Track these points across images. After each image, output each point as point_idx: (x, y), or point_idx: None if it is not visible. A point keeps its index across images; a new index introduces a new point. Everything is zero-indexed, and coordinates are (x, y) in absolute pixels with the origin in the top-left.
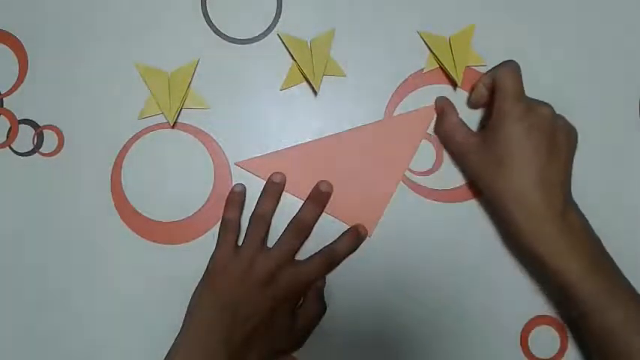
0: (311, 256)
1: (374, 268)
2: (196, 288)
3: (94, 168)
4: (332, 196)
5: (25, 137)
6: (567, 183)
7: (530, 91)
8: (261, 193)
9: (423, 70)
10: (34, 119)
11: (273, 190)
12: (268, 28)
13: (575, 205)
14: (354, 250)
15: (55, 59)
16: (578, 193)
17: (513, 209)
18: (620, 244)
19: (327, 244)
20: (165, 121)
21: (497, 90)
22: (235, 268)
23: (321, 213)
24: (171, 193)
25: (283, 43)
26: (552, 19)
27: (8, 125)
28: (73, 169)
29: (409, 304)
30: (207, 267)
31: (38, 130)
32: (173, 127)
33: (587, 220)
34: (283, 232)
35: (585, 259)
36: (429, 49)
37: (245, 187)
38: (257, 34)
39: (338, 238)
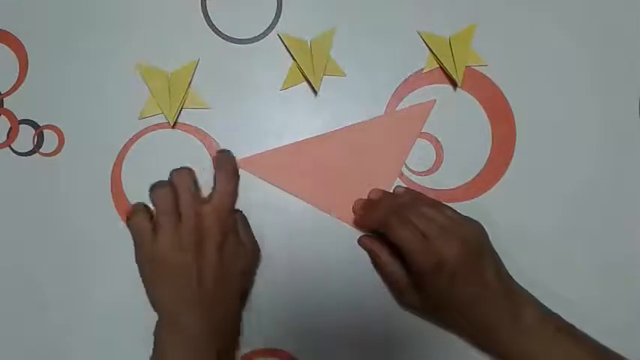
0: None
1: (374, 268)
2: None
3: (94, 168)
4: (329, 194)
5: (25, 137)
6: (509, 287)
7: (531, 91)
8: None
9: (423, 70)
10: (34, 119)
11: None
12: (268, 28)
13: (526, 296)
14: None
15: (55, 59)
16: (578, 193)
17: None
18: (620, 243)
19: (324, 242)
20: (165, 121)
21: (409, 264)
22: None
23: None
24: None
25: (283, 43)
26: (552, 19)
27: (8, 125)
28: (73, 169)
29: None
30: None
31: (38, 130)
32: (173, 127)
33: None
34: None
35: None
36: (429, 49)
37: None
38: (257, 34)
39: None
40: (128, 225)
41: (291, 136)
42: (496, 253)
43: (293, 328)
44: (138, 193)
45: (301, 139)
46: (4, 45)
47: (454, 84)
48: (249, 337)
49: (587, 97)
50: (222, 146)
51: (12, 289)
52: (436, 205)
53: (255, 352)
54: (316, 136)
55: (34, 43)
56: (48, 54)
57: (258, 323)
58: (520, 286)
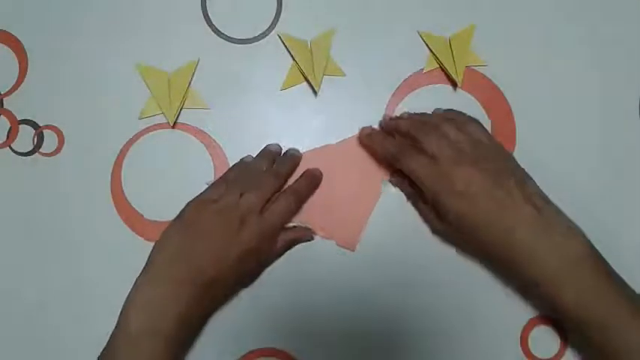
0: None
1: (373, 268)
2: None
3: (94, 168)
4: (314, 212)
5: (25, 137)
6: (538, 202)
7: (531, 92)
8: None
9: (423, 70)
10: (34, 119)
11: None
12: (268, 28)
13: (558, 212)
14: (314, 188)
15: (55, 59)
16: (578, 192)
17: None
18: (620, 243)
19: (323, 242)
20: (165, 121)
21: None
22: (216, 205)
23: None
24: (171, 193)
25: (283, 43)
26: (552, 19)
27: (8, 125)
28: (73, 169)
29: (408, 304)
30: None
31: (38, 130)
32: (173, 127)
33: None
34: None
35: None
36: (429, 49)
37: (280, 147)
38: (257, 34)
39: (296, 181)
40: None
41: (291, 136)
42: (527, 176)
43: (293, 328)
44: (138, 193)
45: (301, 139)
46: (4, 45)
47: (454, 84)
48: (249, 337)
49: (587, 97)
50: (222, 146)
51: (12, 288)
52: (460, 122)
53: (255, 352)
54: (304, 152)
55: (34, 43)
56: (48, 54)
57: (259, 324)
58: (557, 208)
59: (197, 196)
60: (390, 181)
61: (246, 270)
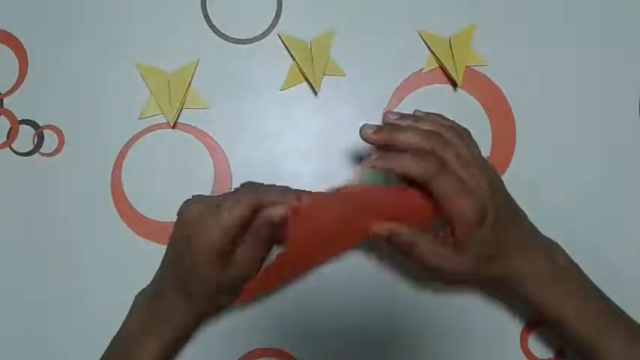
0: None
1: (373, 268)
2: None
3: (94, 168)
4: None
5: (25, 137)
6: (532, 225)
7: (531, 91)
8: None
9: (422, 70)
10: (34, 119)
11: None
12: (268, 28)
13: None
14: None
15: (55, 59)
16: (578, 193)
17: (515, 283)
18: (619, 243)
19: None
20: (165, 121)
21: (453, 217)
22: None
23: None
24: (171, 193)
25: (283, 43)
26: (552, 19)
27: (8, 125)
28: (73, 169)
29: (409, 305)
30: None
31: (38, 130)
32: (173, 127)
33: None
34: None
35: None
36: (429, 49)
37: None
38: (257, 34)
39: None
40: None
41: (291, 136)
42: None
43: (293, 328)
44: (138, 193)
45: (301, 139)
46: (4, 45)
47: (454, 84)
48: (249, 338)
49: (587, 97)
50: (222, 146)
51: (12, 289)
52: (466, 143)
53: (255, 351)
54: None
55: (34, 43)
56: (48, 54)
57: (259, 323)
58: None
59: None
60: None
61: (217, 269)
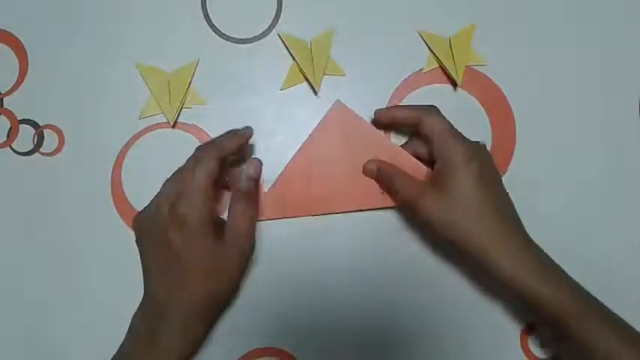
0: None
1: (374, 268)
2: None
3: (94, 168)
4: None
5: (25, 137)
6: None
7: (531, 91)
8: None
9: (422, 70)
10: (34, 119)
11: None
12: (268, 28)
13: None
14: (239, 142)
15: (55, 59)
16: (578, 193)
17: (485, 242)
18: (620, 243)
19: (324, 242)
20: (165, 120)
21: (434, 136)
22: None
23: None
24: None
25: (283, 43)
26: (552, 19)
27: (8, 125)
28: (73, 169)
29: (409, 304)
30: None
31: (38, 130)
32: (173, 126)
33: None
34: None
35: (556, 286)
36: (429, 49)
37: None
38: (257, 34)
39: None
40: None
41: (291, 136)
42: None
43: (293, 328)
44: (138, 193)
45: (301, 139)
46: (4, 45)
47: (454, 84)
48: (249, 337)
49: (587, 97)
50: None
51: (12, 289)
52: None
53: (255, 351)
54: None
55: (34, 43)
56: (48, 54)
57: (259, 323)
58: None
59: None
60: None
61: (205, 252)
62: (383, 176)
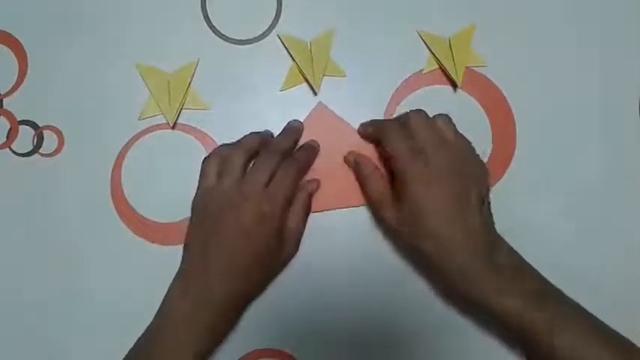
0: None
1: (374, 268)
2: None
3: (94, 168)
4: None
5: (25, 138)
6: (487, 223)
7: (531, 91)
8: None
9: (422, 70)
10: (34, 119)
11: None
12: (268, 28)
13: (504, 243)
14: (313, 157)
15: (55, 60)
16: (578, 193)
17: (438, 256)
18: (620, 243)
19: (324, 242)
20: (165, 121)
21: (389, 154)
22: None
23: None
24: (171, 193)
25: (283, 43)
26: (552, 19)
27: (8, 126)
28: (73, 169)
29: (409, 305)
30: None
31: (38, 131)
32: (173, 127)
33: (520, 257)
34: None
35: (517, 297)
36: (429, 49)
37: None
38: (257, 34)
39: (294, 152)
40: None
41: None
42: (487, 199)
43: (293, 328)
44: (138, 193)
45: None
46: (4, 45)
47: (454, 85)
48: (249, 337)
49: (587, 97)
50: None
51: (12, 289)
52: (443, 124)
53: (255, 352)
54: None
55: (34, 43)
56: (47, 55)
57: (258, 323)
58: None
59: (199, 187)
60: (345, 159)
61: (272, 246)
62: (359, 172)
